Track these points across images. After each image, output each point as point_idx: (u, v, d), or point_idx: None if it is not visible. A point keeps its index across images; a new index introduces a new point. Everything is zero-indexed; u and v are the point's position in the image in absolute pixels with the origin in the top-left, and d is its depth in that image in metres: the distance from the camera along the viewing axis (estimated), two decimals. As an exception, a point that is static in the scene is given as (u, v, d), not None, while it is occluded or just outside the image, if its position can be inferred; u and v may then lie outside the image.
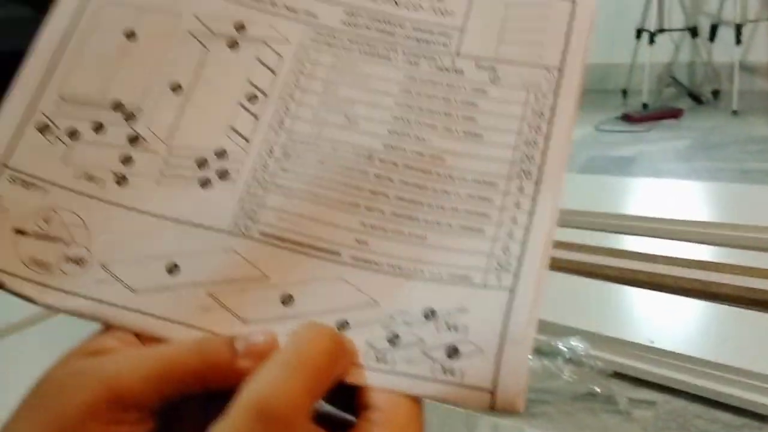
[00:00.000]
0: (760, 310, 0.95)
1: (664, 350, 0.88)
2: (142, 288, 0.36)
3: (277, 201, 0.38)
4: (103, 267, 0.36)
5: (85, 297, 0.36)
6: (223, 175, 0.38)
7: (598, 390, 0.84)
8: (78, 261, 0.36)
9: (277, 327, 0.35)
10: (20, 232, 0.37)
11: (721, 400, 0.73)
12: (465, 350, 0.34)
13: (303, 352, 0.31)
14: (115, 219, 0.37)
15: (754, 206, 1.54)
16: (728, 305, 0.94)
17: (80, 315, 0.36)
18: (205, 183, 0.38)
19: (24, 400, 0.33)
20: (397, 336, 0.35)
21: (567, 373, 0.79)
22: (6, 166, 0.37)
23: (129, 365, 0.32)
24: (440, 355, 0.34)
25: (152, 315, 0.36)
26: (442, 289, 0.36)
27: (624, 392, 0.83)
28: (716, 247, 1.32)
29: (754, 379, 0.72)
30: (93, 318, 0.36)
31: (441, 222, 0.37)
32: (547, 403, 0.75)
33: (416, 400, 0.33)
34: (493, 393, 0.33)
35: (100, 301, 0.36)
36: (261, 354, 0.33)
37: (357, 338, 0.35)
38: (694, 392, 0.75)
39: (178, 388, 0.32)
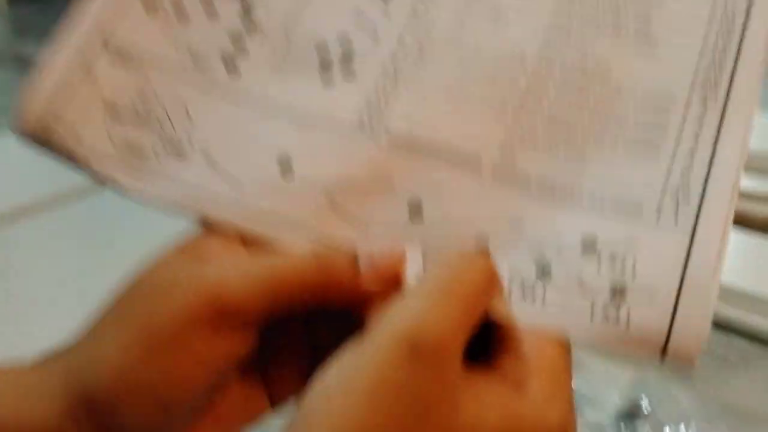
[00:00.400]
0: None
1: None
2: (250, 182, 0.32)
3: (410, 99, 0.33)
4: (206, 157, 0.32)
5: (183, 187, 0.32)
6: (347, 65, 0.34)
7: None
8: (177, 148, 0.32)
9: (402, 237, 0.31)
10: (111, 106, 0.32)
11: (738, 326, 0.71)
12: (633, 293, 0.29)
13: (458, 281, 0.27)
14: (222, 107, 0.33)
15: None
16: (742, 230, 0.89)
17: (177, 207, 0.31)
18: (327, 73, 0.33)
19: (111, 304, 0.29)
20: (548, 267, 0.30)
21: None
22: (108, 43, 0.33)
23: (237, 273, 0.28)
24: (602, 296, 0.29)
25: (261, 213, 0.31)
26: (605, 219, 0.30)
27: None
28: None
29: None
30: (192, 211, 0.31)
31: (605, 138, 0.32)
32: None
33: (565, 346, 0.28)
34: (664, 345, 0.28)
35: (203, 197, 0.31)
36: (387, 276, 0.29)
37: (500, 267, 0.30)
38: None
39: (289, 304, 0.28)
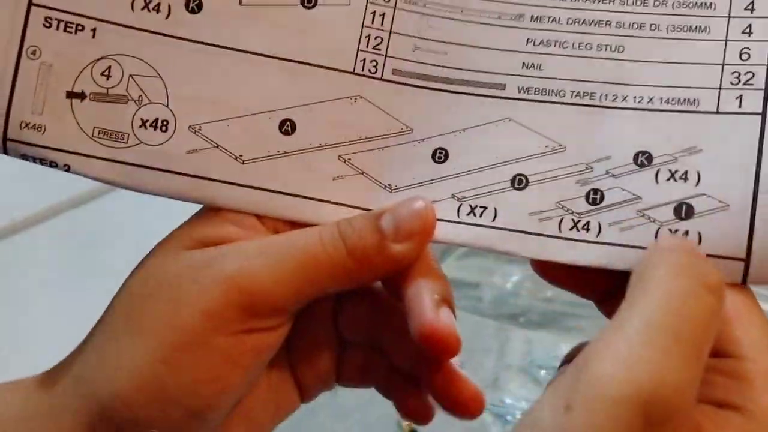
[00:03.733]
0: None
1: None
2: (251, 155, 0.28)
3: (410, 22, 0.28)
4: (194, 130, 0.28)
5: (177, 172, 0.27)
6: None
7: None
8: (159, 124, 0.28)
9: (431, 190, 0.28)
10: (75, 95, 0.27)
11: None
12: (701, 206, 0.25)
13: (685, 316, 0.21)
14: (195, 62, 0.28)
15: None
16: None
17: (175, 196, 0.28)
18: (308, 0, 0.28)
19: (120, 304, 0.26)
20: (599, 192, 0.26)
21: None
22: (35, 4, 0.27)
23: (260, 261, 0.25)
24: (665, 214, 0.25)
25: (268, 191, 0.28)
26: (657, 121, 0.26)
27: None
28: None
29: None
30: (193, 199, 0.27)
31: (643, 23, 0.27)
32: (581, 317, 0.73)
33: None
34: (747, 261, 0.25)
35: (199, 177, 0.27)
36: (416, 233, 0.26)
37: (543, 198, 0.27)
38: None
39: (319, 288, 0.26)
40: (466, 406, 0.27)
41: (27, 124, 0.27)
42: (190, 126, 0.28)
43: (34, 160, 0.27)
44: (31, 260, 0.71)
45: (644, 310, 0.21)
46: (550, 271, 0.27)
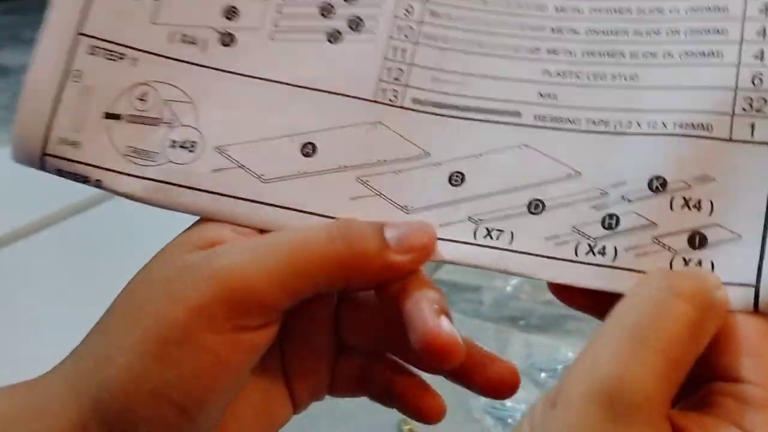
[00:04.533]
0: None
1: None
2: (272, 175, 0.29)
3: (430, 56, 0.30)
4: (220, 151, 0.29)
5: (202, 190, 0.29)
6: (356, 24, 0.30)
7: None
8: (187, 145, 0.29)
9: (448, 212, 0.28)
10: (112, 116, 0.29)
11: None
12: (714, 237, 0.25)
13: (662, 323, 0.22)
14: (225, 89, 0.30)
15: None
16: None
17: (199, 213, 0.29)
18: (334, 36, 0.30)
19: (118, 304, 0.27)
20: (615, 218, 0.26)
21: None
22: (83, 34, 0.30)
23: (251, 257, 0.25)
24: (680, 243, 0.25)
25: (289, 208, 0.28)
26: (671, 147, 0.26)
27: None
28: None
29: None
30: (215, 216, 0.28)
31: (656, 51, 0.28)
32: (581, 320, 0.73)
33: None
34: (756, 288, 0.24)
35: (222, 195, 0.29)
36: (416, 249, 0.26)
37: (559, 222, 0.27)
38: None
39: (311, 285, 0.26)
40: (503, 384, 0.28)
41: (65, 141, 0.29)
42: (216, 147, 0.29)
43: (68, 175, 0.29)
44: (31, 268, 0.71)
45: (618, 317, 0.23)
46: (568, 294, 0.27)
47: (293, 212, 0.29)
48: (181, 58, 0.30)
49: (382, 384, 0.30)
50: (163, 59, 0.30)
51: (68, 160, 0.29)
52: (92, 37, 0.30)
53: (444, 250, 0.28)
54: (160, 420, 0.25)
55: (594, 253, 0.26)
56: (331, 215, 0.28)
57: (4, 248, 0.74)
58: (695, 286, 0.24)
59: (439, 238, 0.28)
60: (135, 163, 0.29)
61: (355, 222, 0.27)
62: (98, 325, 0.27)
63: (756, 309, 0.24)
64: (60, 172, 0.29)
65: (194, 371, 0.25)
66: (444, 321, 0.25)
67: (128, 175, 0.29)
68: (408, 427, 0.50)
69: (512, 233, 0.28)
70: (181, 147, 0.29)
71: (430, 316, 0.25)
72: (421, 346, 0.25)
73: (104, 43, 0.30)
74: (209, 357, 0.25)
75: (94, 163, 0.29)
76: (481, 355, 0.29)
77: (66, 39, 0.29)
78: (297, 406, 0.30)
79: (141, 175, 0.29)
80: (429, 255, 0.27)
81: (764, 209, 0.25)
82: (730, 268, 0.25)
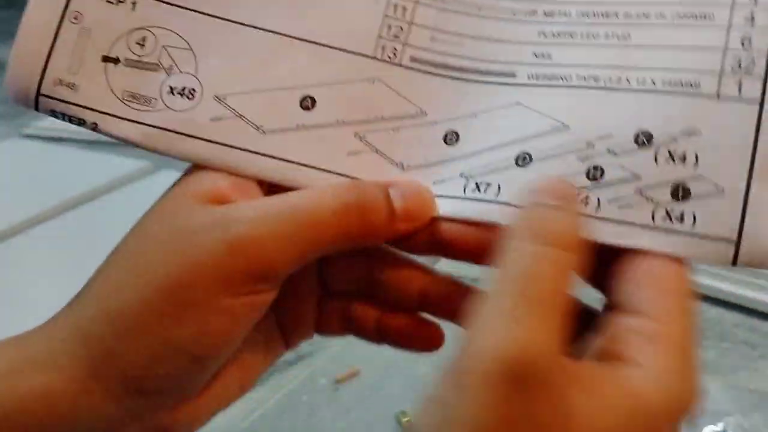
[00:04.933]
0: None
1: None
2: (271, 126, 0.29)
3: (429, 16, 0.30)
4: (219, 100, 0.29)
5: (200, 138, 0.29)
6: None
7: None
8: (186, 92, 0.29)
9: (441, 170, 0.28)
10: (110, 59, 0.29)
11: (761, 309, 0.70)
12: (698, 189, 0.26)
13: (540, 278, 0.23)
14: (227, 38, 0.29)
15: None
16: None
17: (196, 160, 0.28)
18: None
19: (120, 257, 0.27)
20: (599, 169, 0.27)
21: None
22: None
23: (267, 228, 0.25)
24: (663, 195, 0.26)
25: (286, 160, 0.29)
26: (659, 103, 0.27)
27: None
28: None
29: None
30: (212, 165, 0.28)
31: (649, 12, 0.28)
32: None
33: (689, 302, 0.25)
34: (737, 244, 0.25)
35: (220, 144, 0.28)
36: (420, 217, 0.27)
37: (545, 174, 0.27)
38: (732, 300, 0.73)
39: (322, 251, 0.27)
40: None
41: (61, 81, 0.29)
42: (215, 95, 0.29)
43: (63, 116, 0.29)
44: (27, 263, 0.71)
45: (500, 282, 0.23)
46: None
47: (291, 164, 0.29)
48: (181, 4, 0.30)
49: (371, 322, 0.31)
50: (163, 4, 0.30)
51: (64, 101, 0.29)
52: None
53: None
54: (174, 369, 0.26)
55: (578, 205, 0.27)
56: (329, 169, 0.29)
57: (1, 243, 0.73)
58: (565, 227, 0.24)
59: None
60: (133, 108, 0.29)
61: (366, 189, 0.27)
62: (100, 276, 0.27)
63: (734, 264, 0.25)
64: (54, 113, 0.29)
65: (211, 329, 0.26)
66: None
67: (126, 119, 0.29)
68: (407, 419, 0.50)
69: (499, 186, 0.28)
70: (180, 94, 0.29)
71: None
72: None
73: None
74: (225, 317, 0.26)
75: (91, 106, 0.29)
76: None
77: None
78: (288, 344, 0.32)
79: (139, 120, 0.29)
80: (427, 221, 0.28)
81: (748, 166, 0.26)
82: (712, 221, 0.26)
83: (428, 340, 0.30)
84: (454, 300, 0.29)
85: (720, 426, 0.59)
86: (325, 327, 0.32)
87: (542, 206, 0.25)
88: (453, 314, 0.29)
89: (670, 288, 0.25)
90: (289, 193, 0.27)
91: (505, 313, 0.22)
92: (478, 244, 0.27)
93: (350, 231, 0.26)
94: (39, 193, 0.77)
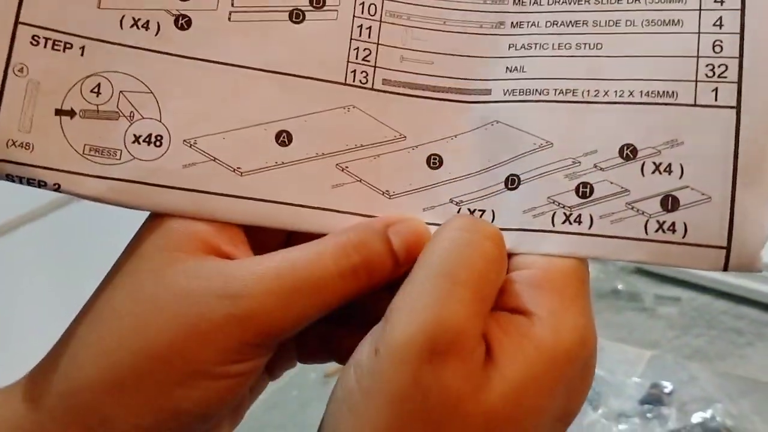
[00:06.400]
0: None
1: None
2: (249, 167, 0.27)
3: (395, 35, 0.29)
4: (189, 144, 0.27)
5: (174, 187, 0.27)
6: (318, 2, 0.29)
7: (623, 287, 0.82)
8: (153, 139, 0.27)
9: (429, 196, 0.28)
10: (65, 112, 0.27)
11: (748, 296, 0.71)
12: (686, 199, 0.26)
13: (472, 262, 0.24)
14: (188, 77, 0.27)
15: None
16: None
17: (173, 212, 0.27)
18: (296, 15, 0.28)
19: (115, 311, 0.25)
20: (589, 186, 0.27)
21: (590, 270, 0.77)
22: (23, 23, 0.26)
23: (274, 296, 0.25)
24: (653, 206, 0.26)
25: (269, 201, 0.27)
26: (639, 115, 0.27)
27: (649, 289, 0.81)
28: None
29: (782, 274, 0.69)
30: (192, 215, 0.27)
31: (619, 20, 0.28)
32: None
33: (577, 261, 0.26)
34: (727, 249, 0.26)
35: (197, 191, 0.27)
36: (417, 252, 0.26)
37: (535, 195, 0.27)
38: (719, 288, 0.73)
39: (325, 311, 0.26)
40: None
41: (14, 143, 0.26)
42: (185, 140, 0.27)
43: (20, 180, 0.26)
44: (16, 263, 0.70)
45: (428, 261, 0.25)
46: None
47: (275, 204, 0.27)
48: (134, 44, 0.27)
49: (353, 348, 0.30)
50: (114, 46, 0.27)
51: (20, 164, 0.26)
52: (33, 26, 0.27)
53: None
54: (176, 430, 0.25)
55: (570, 222, 0.27)
56: (315, 206, 0.28)
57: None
58: (476, 221, 0.26)
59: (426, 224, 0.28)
60: (96, 162, 0.27)
61: (370, 244, 0.26)
62: (90, 336, 0.26)
63: (725, 269, 0.26)
64: (11, 178, 0.26)
65: (214, 394, 0.25)
66: None
67: (90, 176, 0.27)
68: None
69: (493, 212, 0.28)
70: (146, 142, 0.27)
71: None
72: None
73: (47, 32, 0.27)
74: (229, 381, 0.25)
75: (50, 166, 0.26)
76: None
77: (3, 28, 0.26)
78: (272, 376, 0.31)
79: (105, 175, 0.27)
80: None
81: (731, 172, 0.26)
82: (703, 230, 0.26)
83: None
84: None
85: (709, 413, 0.59)
86: (308, 354, 0.31)
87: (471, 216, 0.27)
88: None
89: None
90: (289, 254, 0.26)
91: (428, 289, 0.24)
92: None
93: (357, 290, 0.26)
94: (27, 192, 0.78)
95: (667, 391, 0.61)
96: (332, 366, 0.54)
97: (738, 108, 0.26)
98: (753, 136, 0.26)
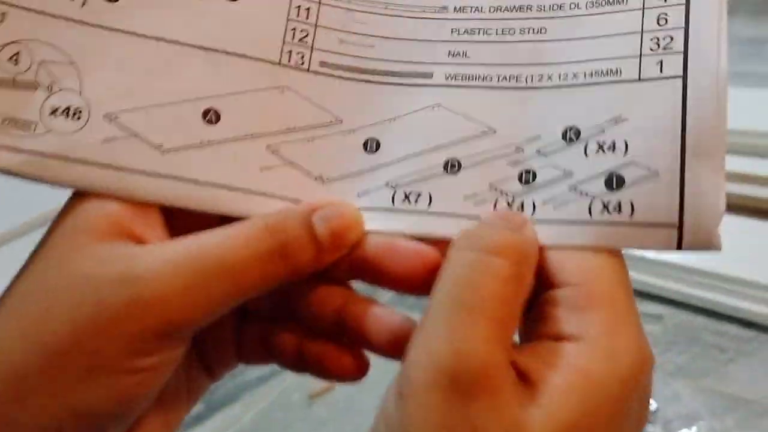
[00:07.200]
0: (765, 219, 0.91)
1: (670, 263, 0.85)
2: (171, 144, 0.26)
3: (335, 17, 0.28)
4: (110, 119, 0.26)
5: (90, 163, 0.25)
6: None
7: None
8: (71, 112, 0.26)
9: (364, 180, 0.27)
10: None
11: (729, 312, 0.71)
12: (631, 176, 0.25)
13: (481, 287, 0.22)
14: (113, 49, 0.26)
15: None
16: (733, 215, 0.91)
17: (89, 188, 0.25)
18: None
19: (17, 301, 0.24)
20: (531, 173, 0.26)
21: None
22: None
23: (178, 280, 0.23)
24: (597, 187, 0.25)
25: (192, 181, 0.26)
26: (582, 96, 0.26)
27: (630, 306, 0.82)
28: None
29: (764, 291, 0.70)
30: (108, 192, 0.25)
31: (563, 4, 0.28)
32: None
33: (616, 256, 0.24)
34: (680, 227, 0.24)
35: (114, 168, 0.25)
36: (348, 245, 0.25)
37: (477, 181, 0.26)
38: (701, 305, 0.73)
39: (239, 300, 0.24)
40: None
41: None
42: (106, 114, 0.26)
43: None
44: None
45: (438, 292, 0.22)
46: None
47: (197, 185, 0.26)
48: (57, 13, 0.26)
49: (292, 348, 0.28)
50: (36, 14, 0.26)
51: None
52: None
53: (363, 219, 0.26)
54: (85, 430, 0.23)
55: (513, 210, 0.26)
56: (239, 187, 0.26)
57: None
58: (504, 238, 0.23)
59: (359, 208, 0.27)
60: (9, 134, 0.25)
61: (289, 229, 0.25)
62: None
63: (679, 248, 0.24)
64: None
65: (120, 391, 0.23)
66: None
67: (2, 147, 0.25)
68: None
69: (430, 195, 0.27)
70: (64, 114, 0.26)
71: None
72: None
73: None
74: (135, 377, 0.24)
75: None
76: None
77: None
78: (213, 376, 0.29)
79: (17, 146, 0.25)
80: (353, 245, 0.26)
81: (679, 144, 0.25)
82: (651, 207, 0.25)
83: (345, 369, 0.27)
84: (366, 322, 0.26)
85: (693, 430, 0.59)
86: (247, 355, 0.29)
87: (484, 222, 0.25)
88: (367, 339, 0.26)
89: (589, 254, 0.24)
90: (200, 237, 0.24)
91: (441, 322, 0.22)
92: (405, 266, 0.25)
93: (273, 276, 0.24)
94: (21, 206, 0.73)
95: (652, 409, 0.61)
96: (316, 387, 0.53)
97: (684, 76, 0.25)
98: (701, 105, 0.25)
